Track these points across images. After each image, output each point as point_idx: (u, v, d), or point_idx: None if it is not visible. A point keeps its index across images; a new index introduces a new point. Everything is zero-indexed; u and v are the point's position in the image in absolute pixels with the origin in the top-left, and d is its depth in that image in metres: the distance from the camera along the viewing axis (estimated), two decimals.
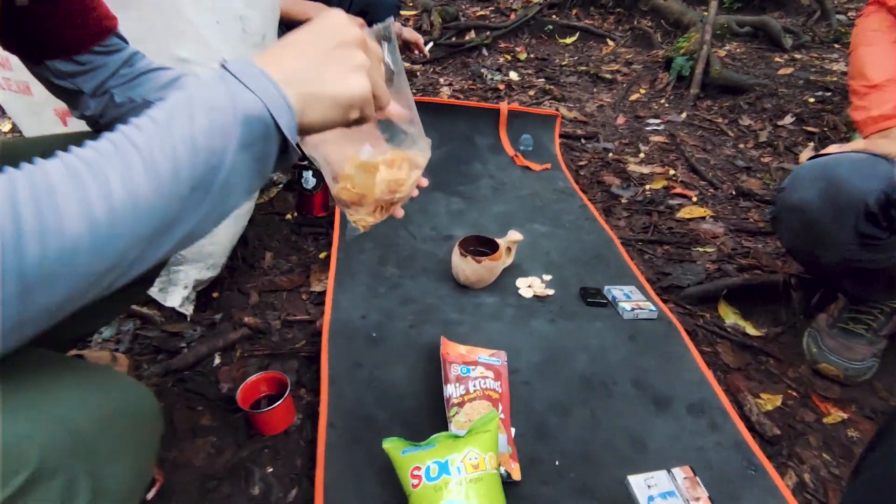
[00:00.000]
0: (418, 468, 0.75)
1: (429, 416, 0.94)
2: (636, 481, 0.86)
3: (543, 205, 1.62)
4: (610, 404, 1.00)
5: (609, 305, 1.22)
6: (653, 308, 1.18)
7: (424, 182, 0.79)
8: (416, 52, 1.80)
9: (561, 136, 2.09)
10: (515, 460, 0.89)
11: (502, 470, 0.84)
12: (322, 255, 1.35)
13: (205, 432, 0.91)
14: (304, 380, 1.01)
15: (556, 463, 0.90)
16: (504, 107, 1.86)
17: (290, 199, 1.55)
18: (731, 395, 1.04)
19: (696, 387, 1.04)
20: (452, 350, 1.03)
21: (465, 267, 1.21)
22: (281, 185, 1.60)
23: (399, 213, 0.75)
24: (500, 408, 0.95)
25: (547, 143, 1.91)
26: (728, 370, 1.11)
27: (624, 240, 1.48)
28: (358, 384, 0.97)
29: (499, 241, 1.27)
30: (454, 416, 0.91)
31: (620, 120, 2.28)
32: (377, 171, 0.63)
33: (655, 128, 2.22)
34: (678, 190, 1.74)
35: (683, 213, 1.62)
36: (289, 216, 1.47)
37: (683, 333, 1.15)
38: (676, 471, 0.87)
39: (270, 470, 0.86)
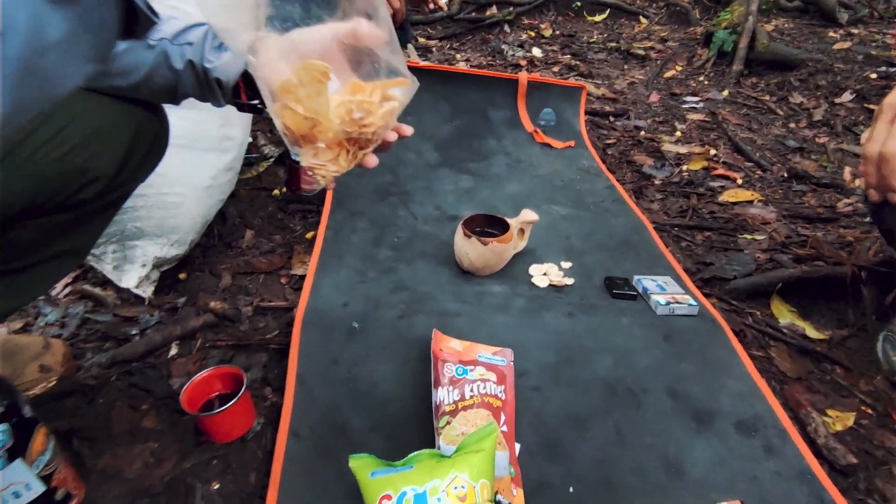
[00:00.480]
0: (388, 497, 0.59)
1: (416, 427, 0.78)
2: None
3: (564, 185, 1.43)
4: (639, 418, 0.81)
5: (639, 298, 1.03)
6: (693, 302, 0.99)
7: (408, 130, 0.61)
8: (431, 5, 1.58)
9: (587, 112, 1.89)
10: (519, 485, 0.71)
11: (500, 498, 0.67)
12: (309, 235, 1.19)
13: (145, 436, 0.76)
14: (272, 377, 0.85)
15: (570, 490, 0.72)
16: (523, 77, 1.67)
17: (280, 175, 1.39)
18: (790, 410, 0.85)
19: (747, 399, 0.85)
20: (447, 346, 0.86)
21: (469, 250, 1.03)
22: (272, 160, 1.45)
23: (371, 161, 0.57)
24: (503, 418, 0.77)
25: (571, 118, 1.71)
26: (785, 380, 0.91)
27: (657, 224, 1.29)
28: (332, 384, 0.81)
29: (510, 221, 1.09)
30: (444, 427, 0.74)
31: (654, 97, 2.07)
32: (327, 78, 0.45)
33: (693, 106, 2.00)
34: (720, 171, 1.53)
35: (727, 197, 1.41)
36: (276, 192, 1.31)
37: (730, 334, 0.95)
38: None
39: (216, 486, 0.70)
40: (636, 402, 0.84)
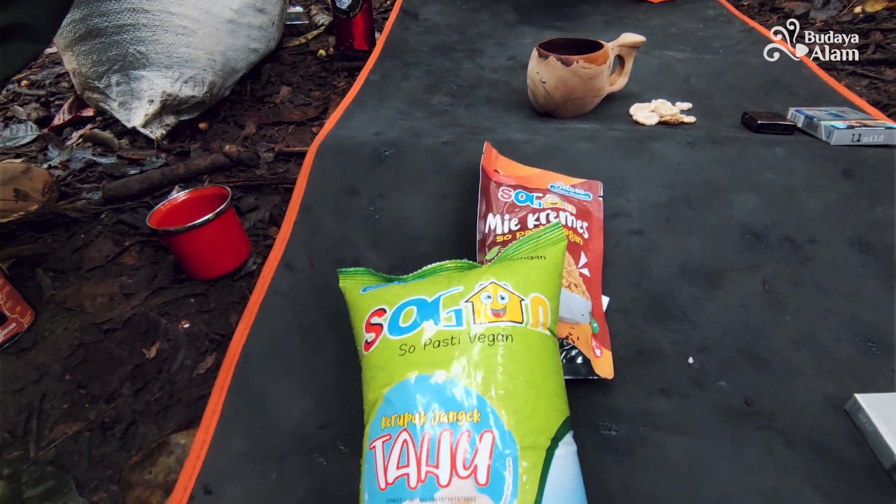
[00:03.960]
0: (381, 312, 0.36)
1: None
2: (871, 403, 0.39)
3: (681, 33, 1.09)
4: (806, 274, 0.52)
5: (797, 132, 0.70)
6: (891, 125, 0.65)
7: None
8: None
9: None
10: (606, 345, 0.46)
11: (576, 353, 0.43)
12: None
13: (119, 272, 0.61)
14: (278, 215, 0.66)
15: (690, 361, 0.46)
16: None
17: (330, 41, 1.20)
18: None
19: None
20: (505, 167, 0.61)
21: (545, 75, 0.76)
22: (322, 27, 1.26)
23: None
24: (583, 260, 0.52)
25: None
26: None
27: (822, 62, 0.92)
28: (346, 217, 0.60)
29: (606, 44, 0.80)
30: (492, 259, 0.50)
31: None
32: None
33: None
34: None
35: None
36: (321, 52, 1.12)
37: None
38: None
39: (186, 325, 0.53)
40: (800, 255, 0.54)
